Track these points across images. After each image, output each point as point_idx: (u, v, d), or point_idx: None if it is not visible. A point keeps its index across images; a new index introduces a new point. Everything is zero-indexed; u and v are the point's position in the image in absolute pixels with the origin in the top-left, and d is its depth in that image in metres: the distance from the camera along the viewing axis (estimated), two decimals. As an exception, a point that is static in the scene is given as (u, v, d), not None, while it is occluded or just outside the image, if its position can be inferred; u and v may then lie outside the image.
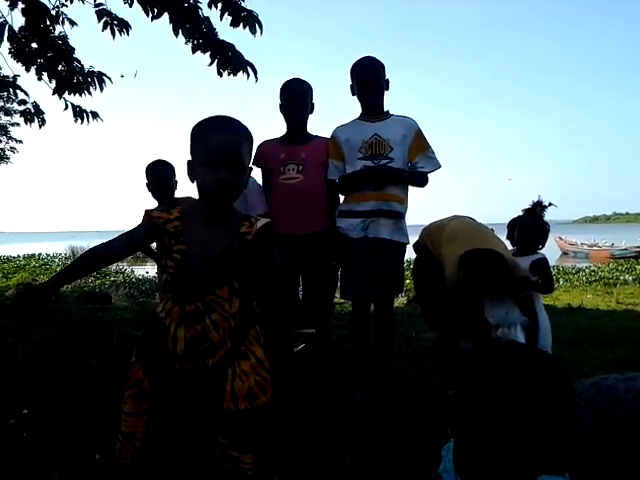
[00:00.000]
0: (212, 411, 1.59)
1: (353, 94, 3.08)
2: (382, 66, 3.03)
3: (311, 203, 3.04)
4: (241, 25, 4.35)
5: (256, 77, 4.65)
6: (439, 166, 3.07)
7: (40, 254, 23.75)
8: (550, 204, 3.09)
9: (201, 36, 4.56)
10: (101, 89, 5.35)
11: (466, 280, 2.67)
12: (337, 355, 3.70)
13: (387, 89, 3.07)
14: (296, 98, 3.09)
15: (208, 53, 4.60)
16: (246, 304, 1.66)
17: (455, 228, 2.94)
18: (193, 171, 1.65)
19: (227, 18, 4.41)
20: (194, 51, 4.61)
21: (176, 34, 4.43)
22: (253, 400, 1.60)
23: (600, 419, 1.50)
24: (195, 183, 1.65)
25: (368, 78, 3.01)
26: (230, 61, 4.59)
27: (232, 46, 4.60)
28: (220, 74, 4.64)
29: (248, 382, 1.61)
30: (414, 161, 3.03)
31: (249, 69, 4.64)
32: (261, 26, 4.36)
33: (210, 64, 4.60)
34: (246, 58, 4.68)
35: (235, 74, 4.64)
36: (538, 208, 3.08)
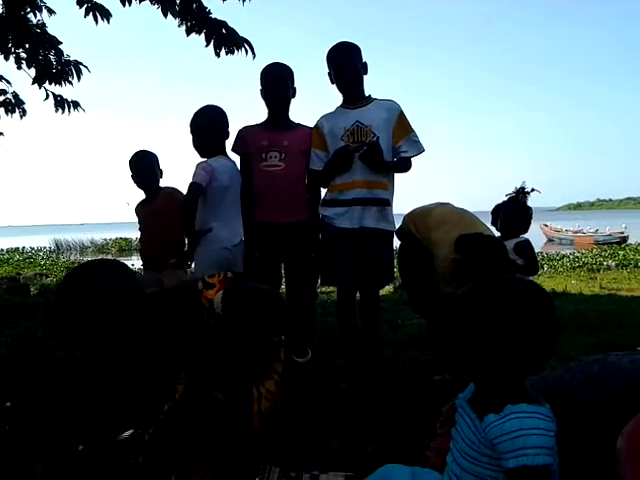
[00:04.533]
0: None
1: (332, 82, 3.04)
2: (357, 50, 2.98)
3: (292, 192, 3.01)
4: None
5: (253, 53, 4.55)
6: (423, 150, 3.04)
7: (24, 248, 23.51)
8: (533, 189, 3.09)
9: (193, 16, 4.46)
10: (78, 78, 5.29)
11: (463, 262, 2.67)
12: (323, 343, 3.70)
13: (365, 73, 3.02)
14: (277, 82, 3.03)
15: (203, 35, 4.49)
16: None
17: (443, 213, 2.93)
18: None
19: None
20: (188, 33, 4.51)
21: (165, 15, 4.35)
22: (275, 415, 1.66)
23: (601, 391, 1.51)
24: None
25: (344, 68, 2.96)
26: (226, 39, 4.49)
27: (224, 23, 4.49)
28: (218, 54, 4.51)
29: (274, 400, 1.65)
30: (397, 145, 2.99)
31: (246, 46, 4.54)
32: None
33: (206, 45, 4.48)
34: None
35: (232, 52, 4.53)
36: (520, 195, 3.09)
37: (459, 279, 2.74)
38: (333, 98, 3.05)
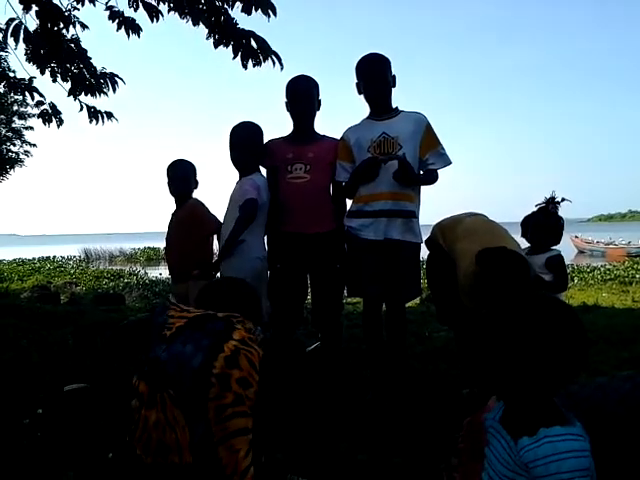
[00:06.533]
0: None
1: (359, 93, 3.05)
2: (388, 63, 2.99)
3: (318, 203, 3.03)
4: (253, 10, 4.23)
5: (281, 65, 4.57)
6: (450, 162, 3.03)
7: (55, 256, 23.92)
8: (564, 199, 3.02)
9: (221, 29, 4.49)
10: (114, 90, 5.39)
11: (482, 277, 2.62)
12: (350, 354, 3.69)
13: (394, 86, 3.02)
14: (302, 96, 3.06)
15: (230, 47, 4.52)
16: None
17: (472, 224, 2.87)
18: None
19: (238, 6, 4.31)
20: (216, 46, 4.54)
21: (196, 23, 4.37)
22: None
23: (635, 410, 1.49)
24: None
25: (374, 78, 2.97)
26: (254, 51, 4.51)
27: (253, 33, 4.52)
28: (245, 66, 4.54)
29: None
30: (424, 158, 2.99)
31: (273, 57, 4.55)
32: (274, 9, 4.23)
33: (234, 57, 4.52)
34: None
35: (260, 64, 4.55)
36: (551, 205, 3.02)
37: (478, 292, 2.70)
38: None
